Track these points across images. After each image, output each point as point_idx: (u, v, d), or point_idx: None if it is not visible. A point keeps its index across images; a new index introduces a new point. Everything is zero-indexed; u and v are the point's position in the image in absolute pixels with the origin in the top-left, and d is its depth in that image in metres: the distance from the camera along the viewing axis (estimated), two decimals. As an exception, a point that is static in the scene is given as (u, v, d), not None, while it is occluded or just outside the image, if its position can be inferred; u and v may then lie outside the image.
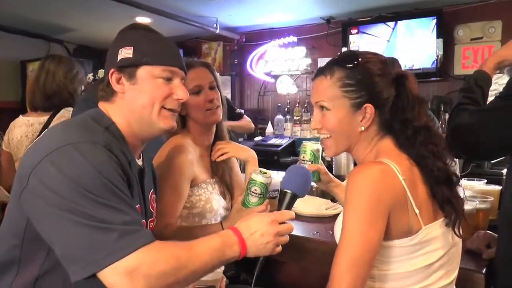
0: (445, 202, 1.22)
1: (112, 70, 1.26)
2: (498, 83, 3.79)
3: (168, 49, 1.32)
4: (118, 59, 1.26)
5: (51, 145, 1.10)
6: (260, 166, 3.24)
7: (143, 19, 4.46)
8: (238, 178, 1.96)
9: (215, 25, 4.73)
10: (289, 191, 1.29)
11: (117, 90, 1.27)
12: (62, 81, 2.44)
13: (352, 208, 1.15)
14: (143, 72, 1.26)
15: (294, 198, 1.29)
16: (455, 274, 1.28)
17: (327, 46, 4.66)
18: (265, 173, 1.60)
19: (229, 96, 4.94)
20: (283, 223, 1.25)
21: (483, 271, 1.44)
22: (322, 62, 4.74)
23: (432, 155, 1.23)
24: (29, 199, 1.09)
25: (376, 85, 1.25)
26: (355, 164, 2.51)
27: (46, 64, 2.47)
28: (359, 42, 4.29)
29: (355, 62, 1.26)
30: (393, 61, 1.68)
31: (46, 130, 1.29)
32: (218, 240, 1.15)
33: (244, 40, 5.25)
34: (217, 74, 1.90)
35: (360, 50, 1.32)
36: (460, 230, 1.25)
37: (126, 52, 1.26)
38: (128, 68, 1.26)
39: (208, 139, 1.87)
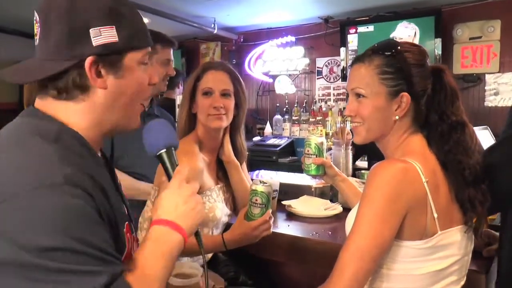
0: (470, 204, 1.20)
1: (91, 59, 0.92)
2: (497, 83, 3.82)
3: (145, 24, 1.03)
4: (97, 43, 0.92)
5: None
6: (259, 166, 3.27)
7: (141, 19, 4.46)
8: (244, 184, 1.91)
9: (212, 25, 4.72)
10: (162, 150, 1.07)
11: (97, 86, 0.95)
12: None
13: (368, 201, 1.15)
14: (130, 59, 0.98)
15: (170, 151, 1.08)
16: (463, 282, 1.27)
17: (325, 45, 4.66)
18: (265, 182, 1.59)
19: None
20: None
21: (485, 272, 1.44)
22: (320, 62, 4.79)
23: (465, 152, 1.21)
24: None
25: (414, 75, 1.24)
26: (354, 163, 2.52)
27: None
28: (357, 42, 4.29)
29: (394, 50, 1.26)
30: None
31: None
32: (156, 245, 0.95)
33: (242, 40, 5.25)
34: (242, 84, 1.86)
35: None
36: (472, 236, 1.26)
37: (108, 34, 0.93)
38: (112, 55, 0.95)
39: (214, 144, 1.84)
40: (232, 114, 1.82)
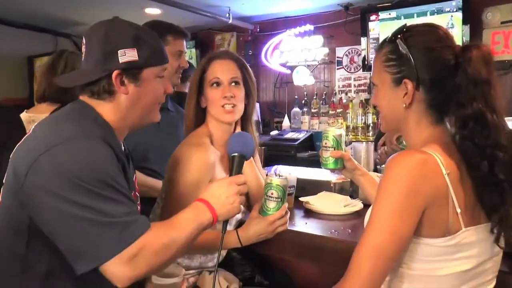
0: (491, 209, 1.15)
1: (117, 72, 1.29)
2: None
3: (162, 47, 1.41)
4: (122, 61, 1.29)
5: (46, 143, 1.18)
6: (277, 161, 3.24)
7: (153, 10, 4.48)
8: (258, 179, 1.91)
9: (227, 14, 4.71)
10: (236, 154, 1.44)
11: (120, 92, 1.32)
12: None
13: (385, 196, 1.12)
14: (147, 73, 1.34)
15: (242, 158, 1.45)
16: (493, 285, 1.22)
17: (345, 34, 4.60)
18: (281, 175, 1.59)
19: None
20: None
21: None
22: (340, 51, 4.74)
23: (484, 152, 1.14)
24: (29, 198, 1.16)
25: (420, 60, 1.21)
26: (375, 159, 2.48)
27: (64, 55, 2.47)
28: (379, 30, 4.22)
29: (398, 35, 1.25)
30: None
31: (35, 125, 1.34)
32: (193, 212, 1.32)
33: (258, 30, 5.22)
34: (250, 71, 1.85)
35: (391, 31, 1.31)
36: (502, 241, 1.19)
37: (131, 54, 1.30)
38: (133, 70, 1.32)
39: (226, 137, 1.81)
40: (243, 104, 1.81)
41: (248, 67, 1.85)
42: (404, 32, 1.25)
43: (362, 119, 4.18)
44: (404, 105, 1.24)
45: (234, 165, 1.42)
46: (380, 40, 4.20)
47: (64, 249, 1.15)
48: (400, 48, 1.23)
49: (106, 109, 1.33)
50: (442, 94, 1.21)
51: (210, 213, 1.32)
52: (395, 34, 1.26)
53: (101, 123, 1.31)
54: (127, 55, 1.30)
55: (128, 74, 1.32)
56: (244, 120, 1.87)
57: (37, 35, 5.44)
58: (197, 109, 1.83)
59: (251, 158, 1.86)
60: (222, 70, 1.77)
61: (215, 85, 1.77)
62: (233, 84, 1.77)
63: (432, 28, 1.26)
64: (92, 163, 1.16)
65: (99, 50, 1.31)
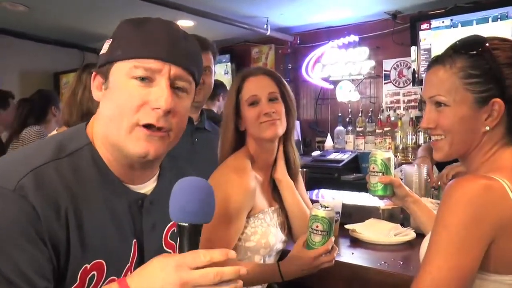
0: None
1: (94, 73, 1.09)
2: None
3: (147, 36, 1.05)
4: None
5: None
6: (319, 185, 3.24)
7: (185, 22, 4.58)
8: (300, 207, 1.89)
9: (265, 26, 4.78)
10: (185, 224, 0.96)
11: (95, 98, 1.09)
12: None
13: (444, 226, 1.11)
14: (115, 71, 1.05)
15: (196, 229, 0.97)
16: None
17: (393, 45, 4.59)
18: (327, 206, 1.59)
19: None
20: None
21: None
22: (388, 64, 4.73)
23: None
24: None
25: (507, 77, 1.18)
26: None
27: (83, 77, 2.47)
28: (431, 39, 4.20)
29: (482, 48, 1.21)
30: None
31: None
32: None
33: (298, 41, 5.27)
34: (287, 86, 1.86)
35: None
36: None
37: (104, 47, 1.07)
38: (103, 66, 1.07)
39: (268, 159, 1.85)
40: (285, 120, 1.81)
41: (285, 82, 1.87)
42: (485, 44, 1.21)
43: (412, 139, 4.14)
44: (487, 128, 1.21)
45: (184, 240, 0.96)
46: (433, 51, 4.15)
47: None
48: (487, 63, 1.19)
49: (95, 128, 1.09)
50: None
51: None
52: (475, 46, 1.22)
53: (80, 158, 1.04)
54: (103, 48, 1.07)
55: (100, 73, 1.07)
56: (285, 141, 1.88)
57: (64, 50, 5.68)
58: (235, 134, 1.83)
59: (291, 182, 1.88)
60: (258, 87, 1.78)
61: (253, 104, 1.77)
62: (271, 100, 1.78)
63: (510, 42, 1.23)
64: None
65: None
